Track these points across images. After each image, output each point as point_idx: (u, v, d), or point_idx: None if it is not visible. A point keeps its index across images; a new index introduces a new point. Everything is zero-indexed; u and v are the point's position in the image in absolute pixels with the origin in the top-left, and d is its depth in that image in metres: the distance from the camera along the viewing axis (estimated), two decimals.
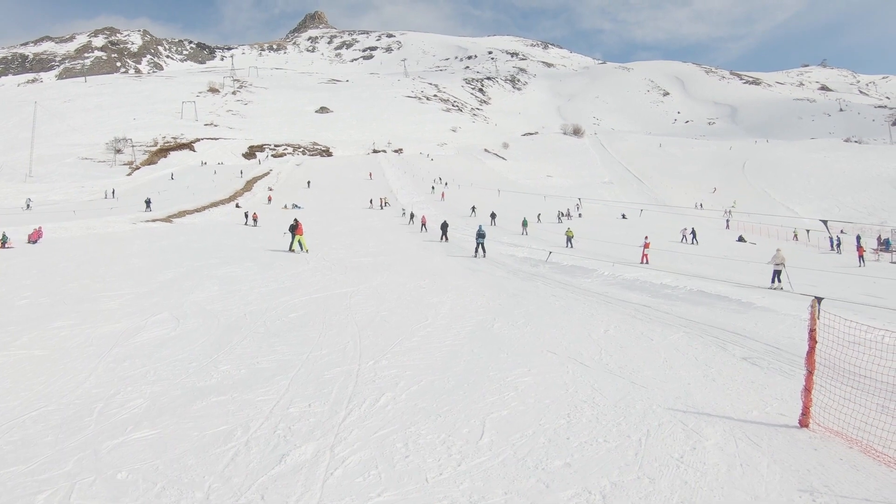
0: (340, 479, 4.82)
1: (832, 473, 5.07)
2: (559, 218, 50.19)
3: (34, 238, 24.85)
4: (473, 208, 48.14)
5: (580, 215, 55.54)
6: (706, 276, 19.48)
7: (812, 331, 6.08)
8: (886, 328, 7.26)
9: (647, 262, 24.26)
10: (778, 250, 20.42)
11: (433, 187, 68.58)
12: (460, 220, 41.66)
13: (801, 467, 5.19)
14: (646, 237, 27.01)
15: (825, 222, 23.90)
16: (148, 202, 46.25)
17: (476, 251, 24.04)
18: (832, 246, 41.80)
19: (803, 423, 6.09)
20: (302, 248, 23.35)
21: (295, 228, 23.70)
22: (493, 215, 45.10)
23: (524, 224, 39.83)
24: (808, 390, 6.07)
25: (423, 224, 37.49)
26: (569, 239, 32.45)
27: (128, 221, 35.52)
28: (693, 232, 39.38)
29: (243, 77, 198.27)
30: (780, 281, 18.91)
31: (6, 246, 22.42)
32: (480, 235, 24.42)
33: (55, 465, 5.00)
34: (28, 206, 49.96)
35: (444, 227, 31.60)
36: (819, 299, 6.19)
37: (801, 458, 5.39)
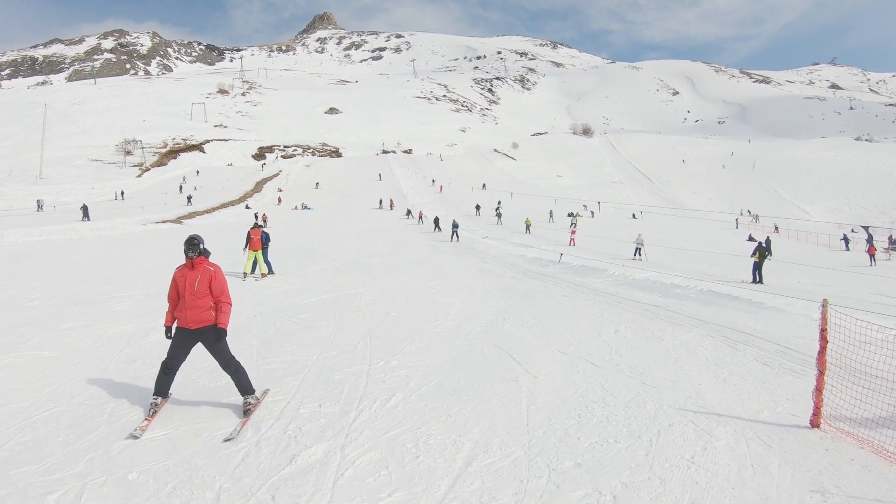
0: (351, 479, 4.82)
1: (843, 474, 5.04)
2: (593, 214, 54.72)
3: None
4: (528, 226, 42.97)
5: (591, 214, 56.52)
6: (713, 275, 19.57)
7: (823, 331, 6.04)
8: None
9: (574, 245, 32.10)
10: (639, 234, 29.59)
11: (433, 180, 74.00)
12: (469, 219, 43.68)
13: (813, 468, 5.15)
14: (573, 225, 38.96)
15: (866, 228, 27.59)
16: (189, 198, 53.06)
17: (451, 237, 32.13)
18: (846, 246, 41.59)
19: (814, 423, 6.05)
20: (256, 270, 16.48)
21: (249, 241, 16.44)
22: (477, 207, 54.64)
23: (499, 216, 48.65)
24: (819, 390, 6.03)
25: (420, 217, 45.61)
26: (528, 227, 40.95)
27: (138, 223, 35.69)
28: (767, 242, 35.64)
29: (252, 78, 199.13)
30: (640, 255, 26.68)
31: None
32: (455, 226, 33.02)
33: (66, 465, 5.02)
34: (40, 207, 50.22)
35: (437, 221, 39.16)
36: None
37: (812, 458, 5.35)
